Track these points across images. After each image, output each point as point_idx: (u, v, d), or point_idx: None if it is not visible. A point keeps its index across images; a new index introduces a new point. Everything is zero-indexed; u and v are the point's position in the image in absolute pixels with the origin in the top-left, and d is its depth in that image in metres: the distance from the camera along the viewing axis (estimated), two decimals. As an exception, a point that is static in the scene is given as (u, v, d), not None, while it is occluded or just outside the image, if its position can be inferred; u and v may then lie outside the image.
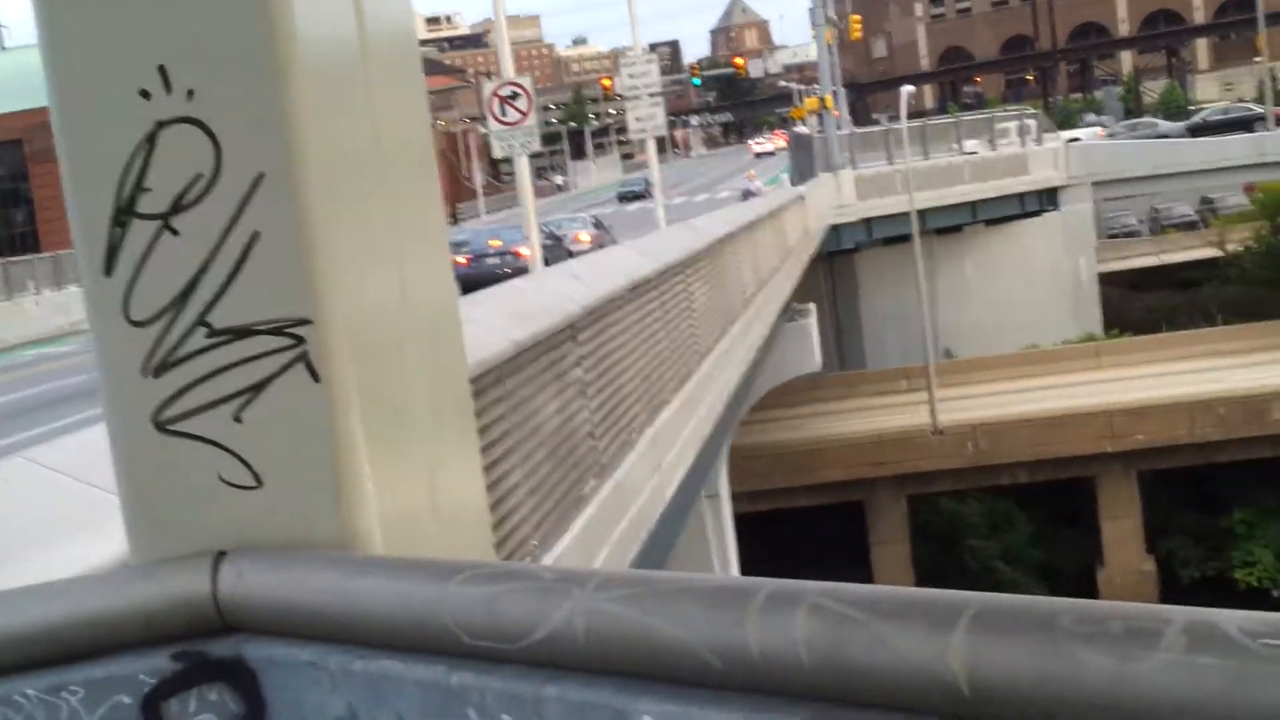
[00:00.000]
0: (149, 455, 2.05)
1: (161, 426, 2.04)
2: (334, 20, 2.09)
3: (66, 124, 2.03)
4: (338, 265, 2.03)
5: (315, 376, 2.02)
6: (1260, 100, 77.97)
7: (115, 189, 2.03)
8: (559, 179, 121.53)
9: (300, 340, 2.02)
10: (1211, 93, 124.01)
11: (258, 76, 1.96)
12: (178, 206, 2.02)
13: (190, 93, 1.99)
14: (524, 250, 25.77)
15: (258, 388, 2.03)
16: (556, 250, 30.32)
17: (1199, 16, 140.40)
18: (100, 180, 2.03)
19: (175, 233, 2.03)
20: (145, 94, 2.00)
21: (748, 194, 45.39)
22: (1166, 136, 70.69)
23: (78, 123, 2.03)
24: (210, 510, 2.04)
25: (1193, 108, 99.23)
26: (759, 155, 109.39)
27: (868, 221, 44.46)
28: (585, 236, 35.02)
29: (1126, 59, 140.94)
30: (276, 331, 2.02)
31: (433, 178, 2.43)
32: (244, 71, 1.97)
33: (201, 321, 2.03)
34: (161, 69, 1.99)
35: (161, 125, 2.00)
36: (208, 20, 1.96)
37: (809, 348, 29.94)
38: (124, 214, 2.03)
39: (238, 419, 2.03)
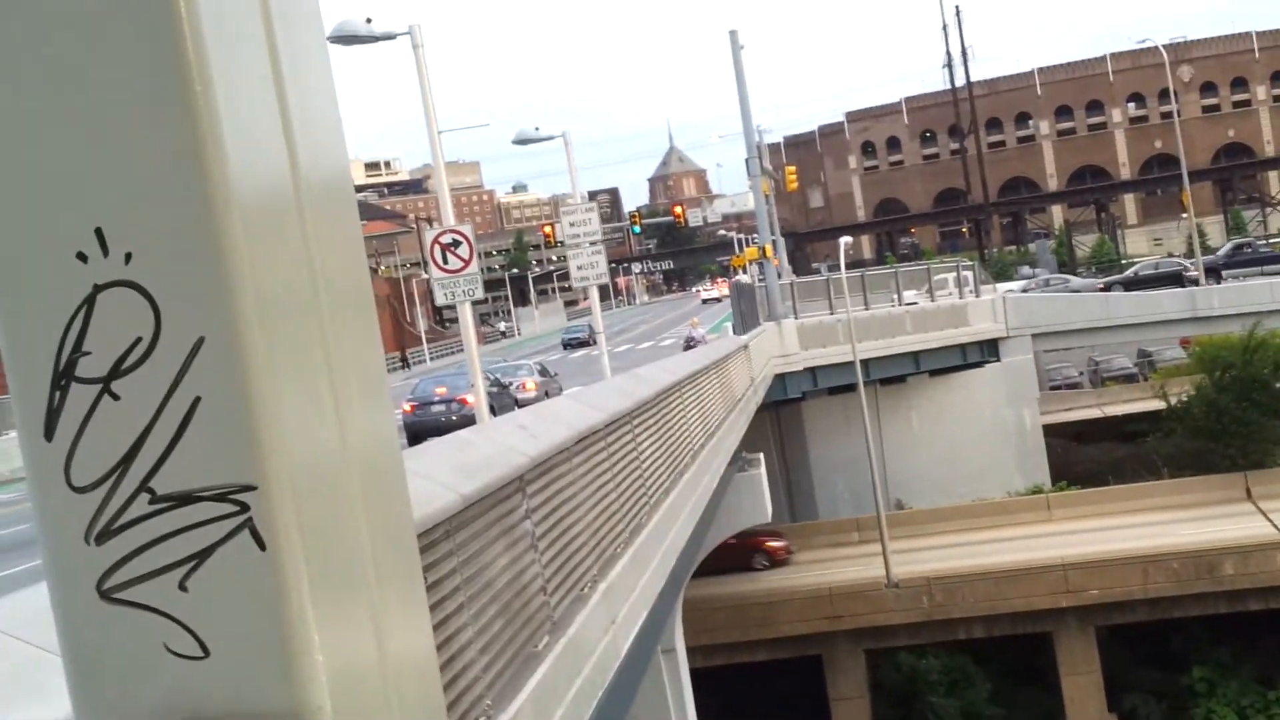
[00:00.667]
0: (93, 624, 2.02)
1: (105, 595, 2.02)
2: (270, 174, 2.09)
3: (3, 287, 1.99)
4: (281, 427, 2.00)
5: (261, 544, 1.99)
6: (1189, 254, 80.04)
7: (54, 353, 1.98)
8: (501, 325, 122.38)
9: (245, 507, 1.99)
10: (1141, 247, 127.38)
11: (196, 238, 1.95)
12: (117, 371, 1.98)
13: (128, 256, 1.97)
14: (470, 398, 25.72)
15: (202, 555, 2.00)
16: (503, 398, 30.31)
17: (1125, 173, 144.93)
18: (39, 344, 2.00)
19: (116, 397, 1.99)
20: (83, 257, 1.97)
21: (691, 341, 45.69)
22: (1079, 292, 72.21)
23: (15, 286, 2.00)
24: (157, 680, 2.00)
25: (1124, 261, 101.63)
26: (705, 301, 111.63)
27: (812, 371, 44.86)
28: (531, 384, 35.06)
29: (1057, 213, 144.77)
30: (220, 498, 1.99)
31: (372, 324, 2.41)
32: (181, 233, 1.95)
33: (144, 488, 2.00)
34: (99, 231, 1.97)
35: (99, 288, 1.97)
36: (144, 181, 1.95)
37: (760, 498, 29.95)
38: (63, 378, 1.99)
39: (183, 587, 2.00)
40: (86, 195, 1.97)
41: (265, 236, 2.03)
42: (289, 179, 2.13)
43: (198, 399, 1.97)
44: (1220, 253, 77.67)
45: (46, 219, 1.98)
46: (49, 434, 2.00)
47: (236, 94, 2.00)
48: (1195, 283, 65.62)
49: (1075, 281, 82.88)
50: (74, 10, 1.94)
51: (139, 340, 1.97)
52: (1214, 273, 69.02)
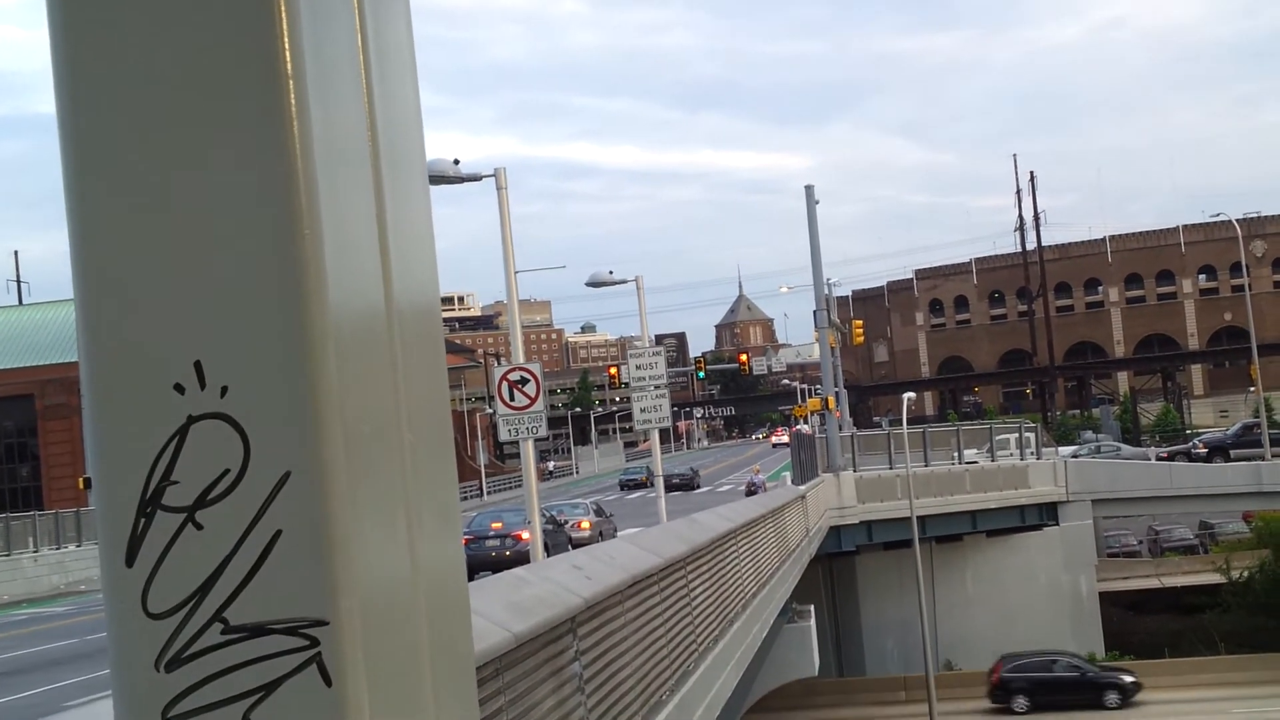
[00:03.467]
0: None
1: None
2: (367, 308, 2.11)
3: (99, 415, 2.03)
4: (357, 562, 2.01)
5: (328, 680, 1.98)
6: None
7: (143, 480, 2.01)
8: (550, 465, 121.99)
9: (315, 641, 1.98)
10: (1207, 418, 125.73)
11: (291, 374, 1.97)
12: (203, 501, 2.01)
13: (224, 389, 1.99)
14: (525, 534, 25.68)
15: (269, 688, 1.99)
16: (558, 536, 30.22)
17: (1193, 343, 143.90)
18: (128, 471, 2.02)
19: (199, 527, 2.01)
20: (180, 389, 2.00)
21: (754, 487, 45.55)
22: (1130, 460, 71.38)
23: (110, 414, 2.03)
24: None
25: (1189, 431, 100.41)
26: (775, 446, 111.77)
27: (868, 525, 44.49)
28: (587, 523, 34.93)
29: (1123, 379, 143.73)
30: (291, 631, 1.99)
31: (450, 455, 2.41)
32: (278, 369, 1.97)
33: (218, 617, 2.00)
34: (197, 365, 1.99)
35: (193, 419, 2.00)
36: (246, 320, 1.98)
37: (808, 650, 29.48)
38: (149, 505, 2.02)
39: (247, 719, 1.98)
40: (189, 329, 2.01)
41: (357, 371, 2.06)
42: (384, 312, 2.16)
43: (279, 532, 1.98)
44: (1229, 432, 76.57)
45: (149, 351, 2.03)
46: (130, 560, 2.01)
47: (341, 231, 2.04)
48: (1205, 459, 64.93)
49: (1127, 450, 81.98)
50: (181, 138, 1.96)
51: (227, 472, 1.99)
52: (1222, 451, 68.12)
